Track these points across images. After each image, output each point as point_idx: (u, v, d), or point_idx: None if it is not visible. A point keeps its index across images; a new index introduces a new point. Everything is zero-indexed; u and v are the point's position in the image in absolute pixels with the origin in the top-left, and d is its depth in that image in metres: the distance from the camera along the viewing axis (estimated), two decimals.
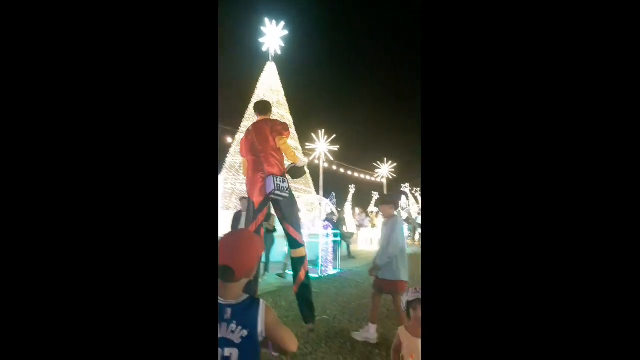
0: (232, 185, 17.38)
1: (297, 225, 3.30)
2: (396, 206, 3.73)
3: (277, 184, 3.00)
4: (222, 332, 0.98)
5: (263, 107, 3.37)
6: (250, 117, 18.77)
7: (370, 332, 3.27)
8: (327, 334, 3.48)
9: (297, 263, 3.34)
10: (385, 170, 20.75)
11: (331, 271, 7.50)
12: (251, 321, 1.02)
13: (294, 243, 3.33)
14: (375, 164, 21.24)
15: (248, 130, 3.24)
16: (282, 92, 19.46)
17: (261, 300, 1.07)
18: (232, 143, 17.85)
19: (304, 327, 3.51)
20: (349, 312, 4.29)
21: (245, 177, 3.29)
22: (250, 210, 3.20)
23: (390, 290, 3.31)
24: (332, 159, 14.12)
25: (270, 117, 3.40)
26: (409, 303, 1.74)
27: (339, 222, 10.47)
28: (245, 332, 1.00)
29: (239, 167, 16.95)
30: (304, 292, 3.31)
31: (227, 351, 0.96)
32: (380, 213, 3.85)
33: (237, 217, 6.66)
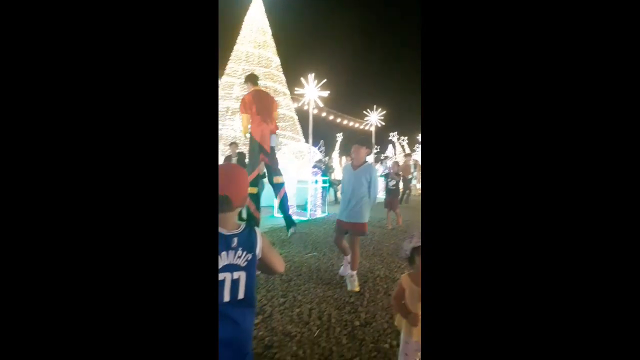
0: (219, 131, 17.10)
1: (276, 160, 4.54)
2: (371, 150, 3.60)
3: (277, 142, 4.34)
4: (230, 259, 1.11)
5: (255, 79, 4.38)
6: (236, 59, 17.92)
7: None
8: (317, 268, 3.82)
9: (278, 187, 4.53)
10: (374, 118, 20.59)
11: (319, 214, 7.86)
12: (252, 246, 1.17)
13: (277, 172, 4.57)
14: (365, 112, 21.01)
15: (253, 95, 4.15)
16: (269, 33, 18.44)
17: (256, 228, 1.23)
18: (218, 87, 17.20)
19: (294, 262, 3.91)
20: (336, 250, 4.64)
21: (243, 130, 4.30)
22: (256, 157, 4.33)
23: (350, 230, 3.34)
24: (321, 105, 13.89)
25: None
26: (414, 250, 1.57)
27: (328, 170, 10.70)
28: (249, 256, 1.15)
29: (230, 115, 16.59)
30: (283, 207, 4.51)
31: (236, 274, 1.11)
32: (352, 155, 3.40)
33: (228, 161, 6.91)
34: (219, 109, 17.72)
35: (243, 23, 18.21)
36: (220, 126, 17.20)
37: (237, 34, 18.05)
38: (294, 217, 4.71)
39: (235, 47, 18.04)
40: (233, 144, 7.32)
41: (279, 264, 1.29)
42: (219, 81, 17.10)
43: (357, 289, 3.19)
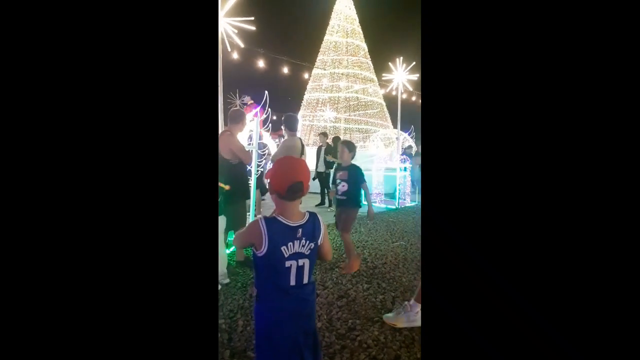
0: (309, 122, 17.82)
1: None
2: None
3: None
4: (296, 248, 1.21)
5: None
6: (325, 50, 18.32)
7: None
8: (404, 257, 3.79)
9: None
10: None
11: (408, 203, 7.67)
12: (316, 235, 1.26)
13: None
14: None
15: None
16: (356, 20, 18.33)
17: (317, 215, 1.29)
18: (309, 79, 17.87)
19: (380, 250, 3.93)
20: None
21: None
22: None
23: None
24: (410, 89, 13.34)
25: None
26: None
27: (418, 156, 10.30)
28: (312, 245, 1.24)
29: (316, 104, 17.15)
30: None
31: (301, 261, 1.22)
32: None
33: (319, 151, 7.25)
34: (308, 100, 18.34)
35: (332, 12, 18.44)
36: (311, 117, 17.88)
37: (327, 25, 18.38)
38: (383, 205, 4.83)
39: (325, 38, 18.42)
40: (322, 134, 7.62)
41: (330, 253, 1.38)
42: (311, 72, 17.68)
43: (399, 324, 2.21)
